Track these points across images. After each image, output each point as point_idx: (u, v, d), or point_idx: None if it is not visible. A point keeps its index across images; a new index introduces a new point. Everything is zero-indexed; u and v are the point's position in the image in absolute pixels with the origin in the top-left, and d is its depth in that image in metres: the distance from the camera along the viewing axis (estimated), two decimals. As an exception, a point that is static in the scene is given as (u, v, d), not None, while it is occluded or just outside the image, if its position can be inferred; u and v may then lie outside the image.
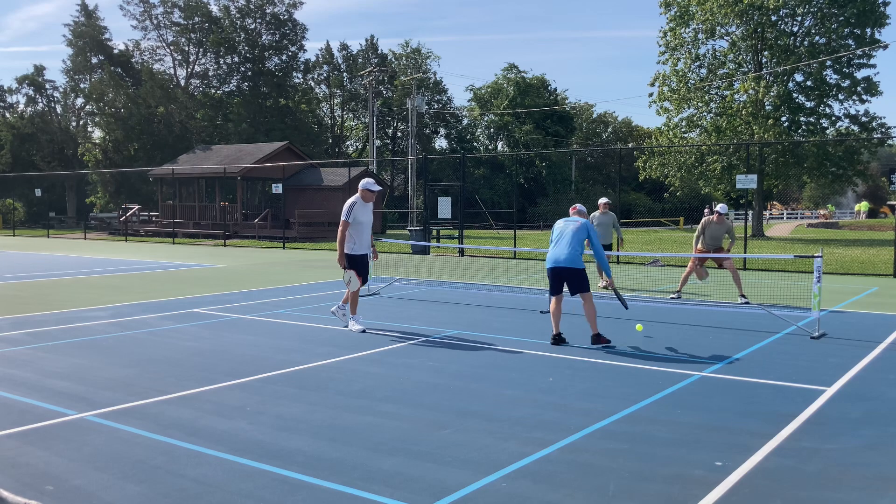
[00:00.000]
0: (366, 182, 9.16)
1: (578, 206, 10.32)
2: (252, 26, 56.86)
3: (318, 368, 7.15)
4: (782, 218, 69.63)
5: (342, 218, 9.13)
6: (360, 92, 59.73)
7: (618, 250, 14.85)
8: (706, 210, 55.00)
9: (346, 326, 9.30)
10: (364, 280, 9.41)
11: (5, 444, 4.90)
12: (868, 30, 34.02)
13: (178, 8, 56.02)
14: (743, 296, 12.06)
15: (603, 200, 14.52)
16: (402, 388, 6.41)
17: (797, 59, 34.00)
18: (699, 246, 12.60)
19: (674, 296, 12.65)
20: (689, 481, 4.24)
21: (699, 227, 12.63)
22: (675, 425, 5.31)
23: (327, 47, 64.48)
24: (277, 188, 31.04)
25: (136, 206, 41.02)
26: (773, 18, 34.70)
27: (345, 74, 63.34)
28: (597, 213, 14.41)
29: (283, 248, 27.80)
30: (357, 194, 9.22)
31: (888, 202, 68.15)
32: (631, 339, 8.65)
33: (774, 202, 75.88)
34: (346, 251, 9.16)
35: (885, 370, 7.09)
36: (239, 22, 56.48)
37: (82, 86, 56.71)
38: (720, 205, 12.46)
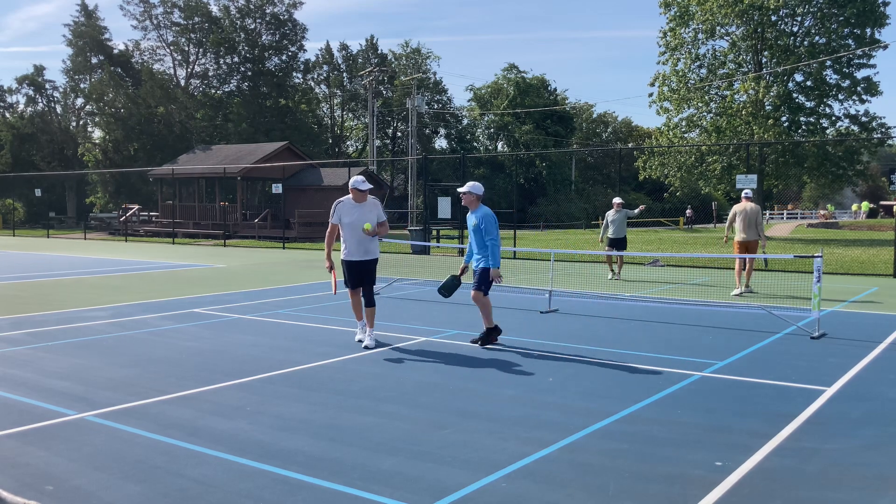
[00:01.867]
0: (353, 181, 8.20)
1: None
2: (252, 26, 56.88)
3: (318, 368, 7.15)
4: (782, 218, 69.61)
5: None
6: (360, 92, 59.75)
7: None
8: (688, 211, 54.44)
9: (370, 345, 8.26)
10: (352, 285, 8.30)
11: (5, 444, 4.90)
12: (868, 30, 34.00)
13: (178, 8, 56.05)
14: (746, 286, 12.96)
15: (617, 200, 16.18)
16: (402, 388, 6.41)
17: (797, 59, 34.00)
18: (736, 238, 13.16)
19: (738, 293, 12.86)
20: (689, 481, 4.24)
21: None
22: (675, 425, 5.31)
23: (327, 47, 64.59)
24: (277, 188, 31.05)
25: (136, 206, 41.02)
26: (773, 18, 34.69)
27: (345, 74, 63.37)
28: (610, 212, 15.95)
29: (283, 248, 27.80)
30: (349, 194, 8.47)
31: (882, 202, 67.95)
32: (631, 339, 8.66)
33: (789, 204, 75.47)
34: (341, 256, 8.34)
35: (885, 370, 7.09)
36: (239, 22, 56.50)
37: (82, 86, 56.75)
38: (746, 189, 13.66)
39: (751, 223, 12.92)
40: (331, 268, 8.42)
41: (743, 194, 13.37)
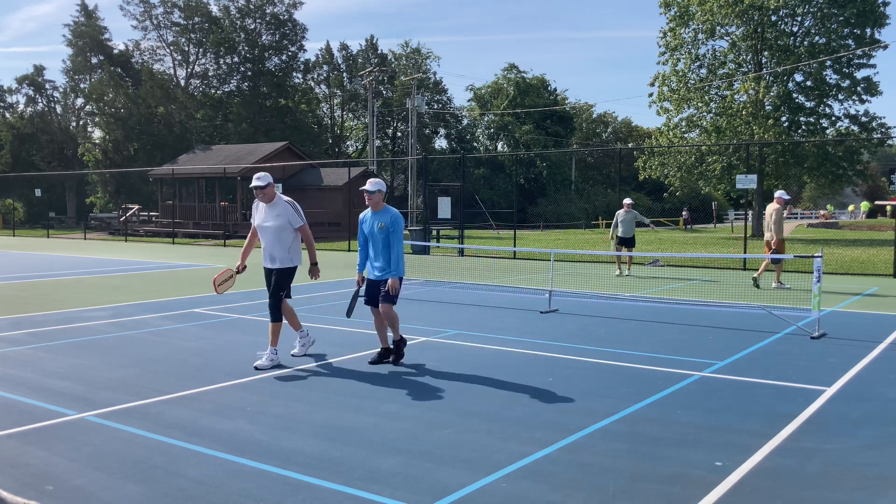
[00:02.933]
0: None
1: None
2: (252, 26, 56.90)
3: (318, 368, 7.15)
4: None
5: None
6: (360, 92, 59.75)
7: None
8: (684, 213, 53.99)
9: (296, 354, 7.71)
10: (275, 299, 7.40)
11: (5, 444, 4.90)
12: (868, 30, 34.00)
13: (178, 8, 56.07)
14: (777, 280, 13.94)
15: (627, 201, 16.95)
16: (402, 388, 6.41)
17: (797, 59, 34.01)
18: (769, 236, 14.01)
19: (776, 285, 14.07)
20: (689, 481, 4.24)
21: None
22: (675, 425, 5.31)
23: (327, 47, 64.57)
24: (277, 188, 31.04)
25: (136, 206, 41.02)
26: (773, 18, 34.71)
27: (345, 74, 63.38)
28: (621, 212, 16.74)
29: (283, 248, 27.75)
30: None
31: (876, 201, 67.86)
32: (631, 339, 8.65)
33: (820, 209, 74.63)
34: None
35: (885, 370, 7.09)
36: (239, 22, 56.52)
37: (82, 86, 56.76)
38: (779, 191, 14.47)
39: (769, 223, 13.96)
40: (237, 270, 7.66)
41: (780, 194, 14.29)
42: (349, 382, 6.58)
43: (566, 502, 3.97)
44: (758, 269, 14.61)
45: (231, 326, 9.57)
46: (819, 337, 8.67)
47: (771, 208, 13.80)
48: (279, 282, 7.35)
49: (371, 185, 7.15)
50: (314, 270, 7.60)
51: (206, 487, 4.15)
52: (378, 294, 7.22)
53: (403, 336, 7.55)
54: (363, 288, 7.40)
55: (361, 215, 7.37)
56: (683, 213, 53.87)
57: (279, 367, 7.19)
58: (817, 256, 9.04)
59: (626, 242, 16.72)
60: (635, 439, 4.99)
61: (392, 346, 7.45)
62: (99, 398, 6.02)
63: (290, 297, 7.53)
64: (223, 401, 5.97)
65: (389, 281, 7.09)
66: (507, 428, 5.24)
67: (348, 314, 7.67)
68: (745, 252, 20.06)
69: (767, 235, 13.96)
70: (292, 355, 7.67)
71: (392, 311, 7.20)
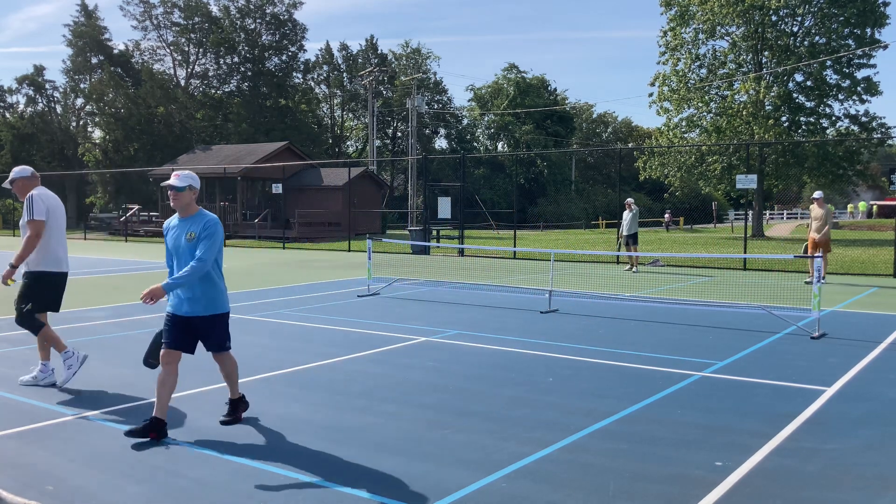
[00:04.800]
0: None
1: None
2: (252, 26, 56.93)
3: (318, 368, 7.15)
4: (782, 218, 69.54)
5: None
6: (360, 92, 59.78)
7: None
8: (666, 215, 53.27)
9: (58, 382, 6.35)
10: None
11: (5, 444, 4.90)
12: (868, 30, 34.02)
13: (178, 8, 56.10)
14: (808, 282, 14.14)
15: (630, 200, 18.15)
16: (402, 388, 6.40)
17: (797, 59, 34.00)
18: (812, 235, 14.80)
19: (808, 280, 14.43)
20: (689, 481, 4.24)
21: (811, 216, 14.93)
22: (675, 425, 5.31)
23: (327, 47, 64.61)
24: (277, 188, 31.06)
25: (136, 207, 41.02)
26: (774, 18, 34.72)
27: (345, 74, 63.41)
28: (625, 212, 17.89)
29: (283, 248, 27.79)
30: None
31: (872, 201, 67.84)
32: (631, 339, 8.65)
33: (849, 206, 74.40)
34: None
35: (885, 370, 7.09)
36: (239, 22, 56.55)
37: (82, 86, 56.75)
38: (817, 192, 15.54)
39: (820, 224, 14.75)
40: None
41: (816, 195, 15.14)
42: (349, 382, 6.58)
43: (566, 502, 3.97)
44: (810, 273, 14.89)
45: (231, 326, 9.55)
46: (819, 337, 8.67)
47: (824, 209, 14.44)
48: (22, 290, 6.17)
49: (178, 178, 5.13)
50: (7, 272, 6.10)
51: (206, 487, 4.15)
52: (186, 336, 5.14)
53: (244, 395, 5.53)
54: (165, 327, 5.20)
55: (166, 223, 5.40)
56: (666, 215, 52.74)
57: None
58: (817, 256, 9.06)
59: (630, 239, 17.76)
60: (635, 439, 4.99)
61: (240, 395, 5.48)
62: (99, 398, 6.02)
63: (54, 309, 6.40)
64: (223, 401, 5.96)
65: (149, 289, 4.86)
66: (507, 428, 5.24)
67: (148, 362, 5.39)
68: (745, 252, 20.06)
69: (817, 236, 14.52)
70: (21, 382, 6.35)
71: (232, 359, 5.39)
